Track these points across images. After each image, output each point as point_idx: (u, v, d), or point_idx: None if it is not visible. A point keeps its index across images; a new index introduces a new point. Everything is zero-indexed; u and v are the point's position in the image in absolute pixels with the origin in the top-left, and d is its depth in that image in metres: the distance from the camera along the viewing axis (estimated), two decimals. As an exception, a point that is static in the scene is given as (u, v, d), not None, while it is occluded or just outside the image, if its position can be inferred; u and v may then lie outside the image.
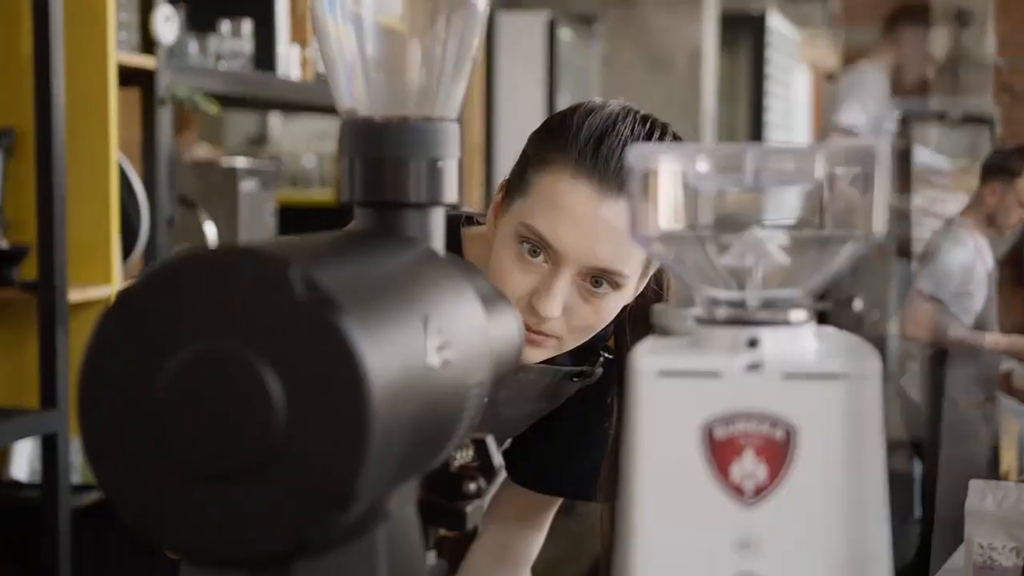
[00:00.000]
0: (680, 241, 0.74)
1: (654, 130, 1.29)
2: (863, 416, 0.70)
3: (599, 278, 1.26)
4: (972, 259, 4.31)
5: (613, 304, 1.29)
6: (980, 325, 4.38)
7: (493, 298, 0.88)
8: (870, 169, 0.70)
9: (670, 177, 0.73)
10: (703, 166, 0.73)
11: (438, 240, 0.84)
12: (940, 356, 4.40)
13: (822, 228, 0.73)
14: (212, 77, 2.99)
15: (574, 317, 1.28)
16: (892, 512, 0.71)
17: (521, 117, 4.91)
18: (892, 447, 4.28)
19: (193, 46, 2.98)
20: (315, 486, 0.62)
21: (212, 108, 2.79)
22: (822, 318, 0.78)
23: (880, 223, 0.71)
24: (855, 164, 0.71)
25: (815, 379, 0.69)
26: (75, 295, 2.46)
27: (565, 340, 1.30)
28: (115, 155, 2.53)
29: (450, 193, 0.84)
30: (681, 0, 5.46)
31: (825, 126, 4.51)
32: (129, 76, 2.67)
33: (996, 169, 4.45)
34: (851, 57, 9.94)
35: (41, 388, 2.38)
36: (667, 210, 0.74)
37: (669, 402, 0.70)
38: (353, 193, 0.83)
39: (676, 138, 1.32)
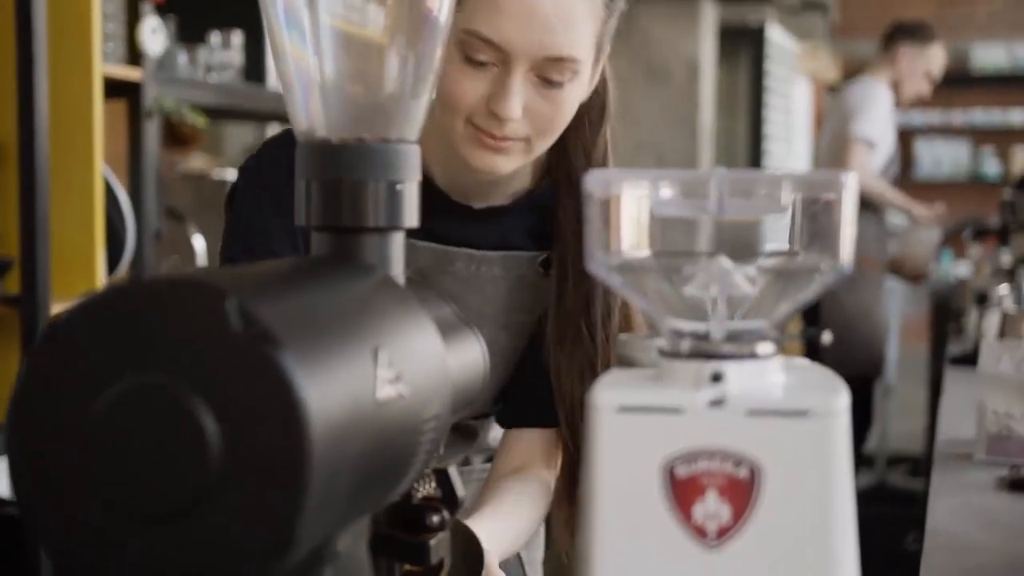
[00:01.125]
0: (642, 270, 0.71)
1: None
2: (831, 454, 0.67)
3: (552, 71, 1.23)
4: (889, 111, 4.46)
5: (571, 96, 1.26)
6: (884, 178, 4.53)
7: (454, 325, 0.85)
8: (837, 198, 0.68)
9: (631, 203, 0.70)
10: (666, 192, 0.70)
11: (397, 265, 0.81)
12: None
13: (790, 258, 0.70)
14: (201, 89, 2.96)
15: (535, 116, 1.25)
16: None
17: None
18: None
19: (183, 57, 2.96)
20: (252, 529, 0.59)
21: (199, 120, 2.77)
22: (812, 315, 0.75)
23: (848, 254, 0.68)
24: (822, 193, 0.68)
25: (781, 416, 0.66)
26: (58, 309, 2.43)
27: (533, 143, 1.27)
28: (100, 167, 2.51)
29: (410, 217, 0.81)
30: (679, 13, 5.44)
31: (834, 137, 4.52)
32: (116, 88, 2.64)
33: (909, 34, 4.52)
34: (851, 69, 9.95)
35: (22, 404, 2.34)
36: (628, 237, 0.71)
37: (629, 439, 0.67)
38: (309, 217, 0.80)
39: None
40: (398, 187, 0.80)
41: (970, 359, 2.78)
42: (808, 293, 0.70)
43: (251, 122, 4.51)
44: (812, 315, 4.32)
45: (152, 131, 2.69)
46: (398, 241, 0.81)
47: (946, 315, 4.92)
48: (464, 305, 1.32)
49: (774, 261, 0.71)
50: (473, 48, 1.21)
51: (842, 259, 0.69)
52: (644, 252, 0.72)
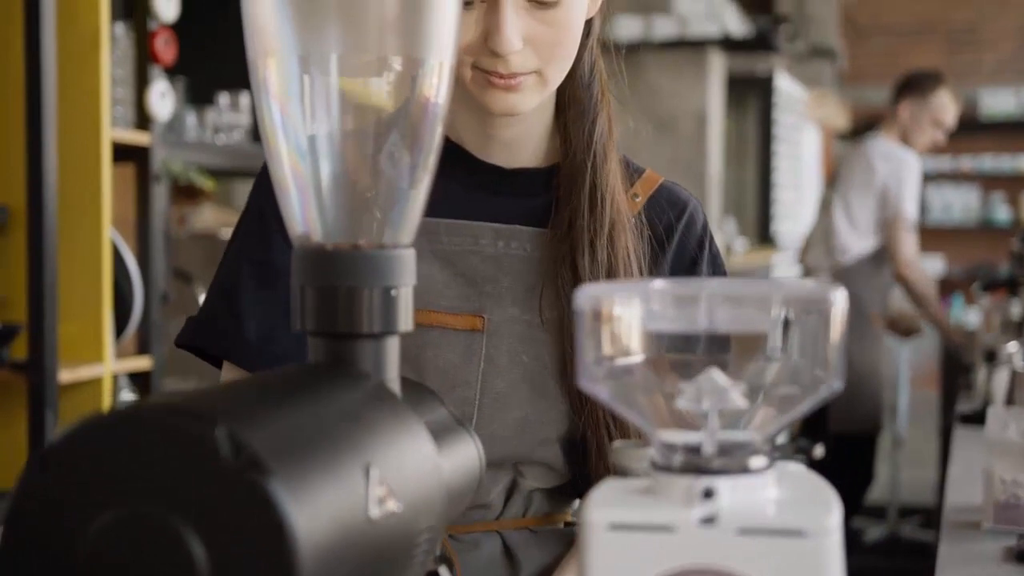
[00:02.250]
0: (632, 384, 0.71)
1: None
2: (824, 573, 0.67)
3: None
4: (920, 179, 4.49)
5: (571, 14, 1.19)
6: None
7: (448, 427, 0.85)
8: (826, 315, 0.68)
9: (621, 318, 0.70)
10: (656, 307, 0.70)
11: (392, 370, 0.81)
12: (855, 269, 4.49)
13: (782, 372, 0.70)
14: (209, 151, 2.98)
15: (538, 43, 1.19)
16: None
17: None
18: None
19: (191, 119, 2.98)
20: (241, 657, 0.59)
21: (207, 184, 2.78)
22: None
23: (838, 372, 0.68)
24: (810, 310, 0.68)
25: (773, 535, 0.66)
26: (66, 375, 2.43)
27: (546, 73, 1.20)
28: (108, 232, 2.52)
29: (405, 321, 0.81)
30: (687, 64, 5.46)
31: (881, 216, 4.50)
32: (124, 152, 2.66)
33: (907, 88, 4.54)
34: (859, 116, 9.98)
35: (28, 471, 2.34)
36: (618, 351, 0.71)
37: (621, 557, 0.67)
38: (305, 322, 0.80)
39: None
40: (392, 292, 0.80)
41: (979, 417, 2.77)
42: (801, 408, 0.70)
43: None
44: None
45: (160, 194, 2.71)
46: (393, 345, 0.81)
47: (956, 368, 4.90)
48: (496, 287, 1.27)
49: (766, 375, 0.71)
50: None
51: (833, 374, 0.69)
52: (635, 366, 0.72)
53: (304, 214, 0.81)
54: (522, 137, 1.31)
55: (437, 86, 0.82)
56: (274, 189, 0.83)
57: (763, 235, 7.46)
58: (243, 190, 3.64)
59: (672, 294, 0.70)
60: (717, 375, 0.71)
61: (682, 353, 0.72)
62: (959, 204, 10.22)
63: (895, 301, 4.79)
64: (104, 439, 0.61)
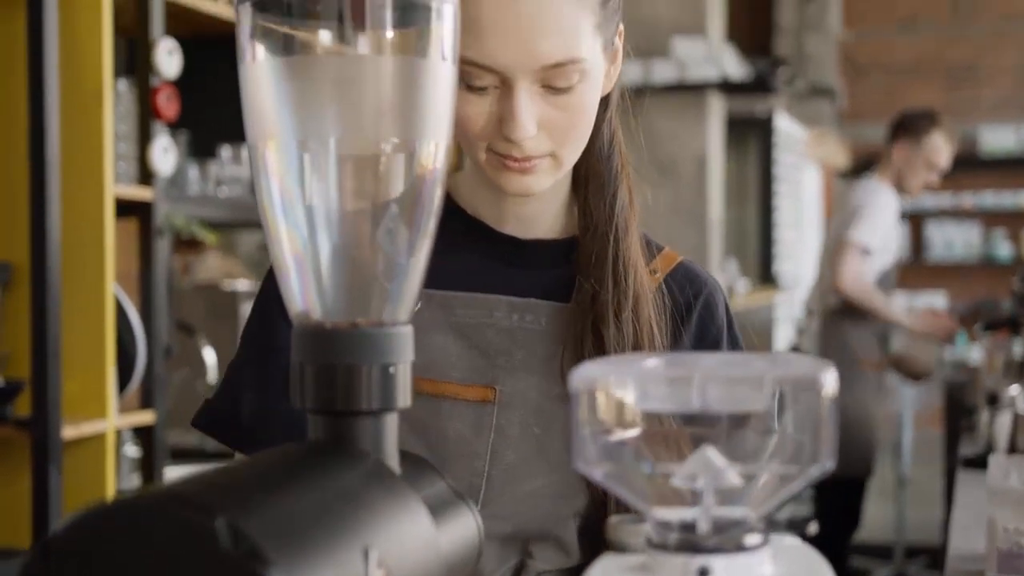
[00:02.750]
0: (627, 463, 0.72)
1: None
2: (818, 652, 0.68)
3: (556, 79, 1.15)
4: (892, 219, 4.47)
5: (587, 97, 1.18)
6: (882, 286, 4.50)
7: (447, 501, 0.86)
8: (816, 396, 0.69)
9: (615, 398, 0.71)
10: (650, 387, 0.71)
11: (391, 446, 0.82)
12: (841, 312, 4.49)
13: (776, 450, 0.71)
14: (211, 204, 3.00)
15: (552, 128, 1.17)
16: None
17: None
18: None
19: (194, 172, 3.00)
20: None
21: (209, 238, 2.80)
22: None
23: (831, 451, 0.69)
24: (802, 390, 0.69)
25: (767, 614, 0.67)
26: (69, 431, 2.44)
27: (560, 155, 1.20)
28: (111, 288, 2.53)
29: (404, 398, 0.82)
30: (687, 108, 5.50)
31: (833, 238, 4.56)
32: (127, 207, 2.68)
33: (901, 129, 4.56)
34: (860, 154, 10.01)
35: (33, 528, 2.35)
36: (612, 430, 0.72)
37: (617, 638, 0.68)
38: (304, 400, 0.81)
39: None
40: (391, 370, 0.81)
41: (982, 461, 2.77)
42: (795, 485, 0.71)
43: (261, 228, 4.56)
44: None
45: (163, 249, 2.72)
46: (392, 421, 0.82)
47: (959, 407, 4.90)
48: (509, 359, 1.26)
49: (760, 453, 0.72)
50: (469, 75, 1.14)
51: (825, 453, 0.70)
52: (629, 445, 0.72)
53: (303, 292, 0.83)
54: (538, 211, 1.31)
55: (434, 166, 0.83)
56: (273, 268, 0.84)
57: (765, 275, 7.47)
58: (246, 240, 3.66)
59: (665, 375, 0.71)
60: (712, 453, 0.72)
61: (677, 430, 0.73)
62: (960, 241, 10.24)
63: (899, 343, 4.78)
64: (105, 528, 0.62)
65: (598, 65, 1.19)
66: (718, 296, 1.33)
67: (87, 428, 2.50)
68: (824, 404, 0.69)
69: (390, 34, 0.81)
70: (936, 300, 10.21)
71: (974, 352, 6.44)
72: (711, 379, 0.71)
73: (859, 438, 4.36)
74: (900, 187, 4.61)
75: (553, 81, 1.15)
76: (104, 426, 2.54)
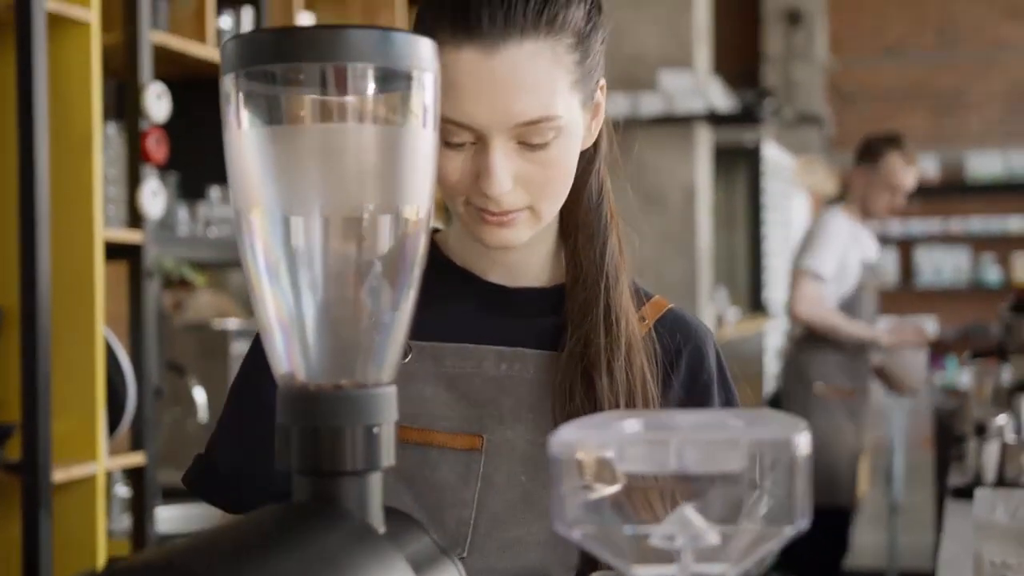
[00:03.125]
0: (606, 524, 0.73)
1: None
2: None
3: (531, 135, 1.16)
4: (846, 245, 4.45)
5: (563, 152, 1.19)
6: (852, 310, 4.49)
7: (431, 557, 0.87)
8: (791, 459, 0.70)
9: (594, 461, 0.73)
10: (628, 449, 0.72)
11: (375, 505, 0.83)
12: (805, 340, 4.48)
13: (751, 510, 0.73)
14: (201, 245, 3.02)
15: (529, 183, 1.18)
16: None
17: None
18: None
19: (183, 213, 3.01)
20: None
21: (198, 280, 2.82)
22: None
23: (805, 511, 0.71)
24: (776, 453, 0.71)
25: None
26: (60, 475, 2.44)
27: (538, 208, 1.21)
28: (101, 331, 2.54)
29: (388, 457, 0.84)
30: (675, 138, 5.54)
31: (793, 267, 4.58)
32: (117, 250, 2.69)
33: (861, 154, 4.59)
34: (847, 180, 10.06)
35: (24, 573, 2.35)
36: (591, 493, 0.73)
37: None
38: (290, 461, 0.83)
39: None
40: (375, 430, 0.82)
41: (970, 491, 2.78)
42: (772, 544, 0.72)
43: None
44: None
45: (152, 291, 2.74)
46: (376, 481, 0.83)
47: (949, 435, 4.91)
48: (497, 408, 1.27)
49: (737, 512, 0.73)
50: (446, 132, 1.16)
51: (800, 512, 0.71)
52: (608, 506, 0.74)
53: (288, 354, 0.84)
54: (525, 260, 1.32)
55: (416, 229, 0.85)
56: (259, 330, 0.85)
57: (755, 303, 7.49)
58: (236, 279, 3.68)
59: (644, 437, 0.73)
60: (690, 512, 0.73)
61: (655, 491, 0.74)
62: (950, 266, 10.29)
63: (880, 359, 4.79)
64: (94, 599, 0.63)
65: (576, 121, 1.20)
66: (708, 343, 1.34)
67: (77, 471, 2.51)
68: (798, 465, 0.71)
69: (372, 103, 0.83)
70: (926, 325, 10.24)
71: (964, 377, 6.46)
72: (688, 441, 0.72)
73: (822, 465, 4.35)
74: (866, 212, 4.61)
75: (528, 138, 1.17)
76: (94, 468, 2.54)
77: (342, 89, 0.81)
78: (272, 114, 0.82)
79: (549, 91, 1.16)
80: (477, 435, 1.26)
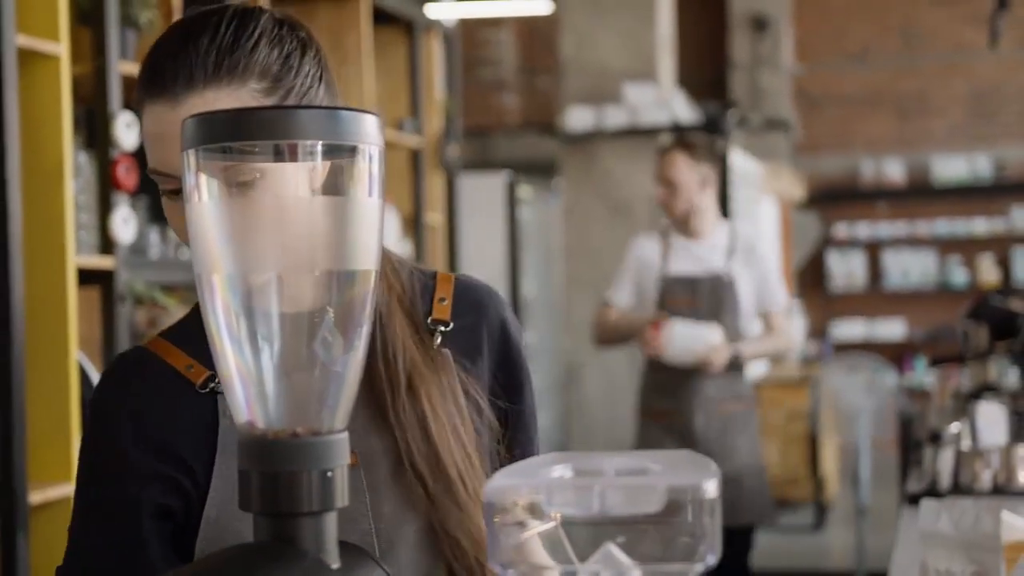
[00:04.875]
0: (536, 562, 0.81)
1: (210, 17, 1.24)
2: None
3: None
4: (637, 264, 4.17)
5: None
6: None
7: (385, 589, 0.95)
8: (702, 501, 0.78)
9: (524, 506, 0.80)
10: (556, 496, 0.80)
11: (330, 543, 0.91)
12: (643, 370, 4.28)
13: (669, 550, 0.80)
14: (172, 268, 3.08)
15: None
16: None
17: (484, 275, 5.03)
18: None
19: (154, 236, 3.08)
20: None
21: (169, 303, 2.88)
22: None
23: (715, 548, 0.78)
24: (689, 498, 0.78)
25: None
26: (36, 496, 2.51)
27: None
28: (74, 355, 2.60)
29: (342, 498, 0.91)
30: (640, 149, 5.61)
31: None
32: (89, 276, 2.75)
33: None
34: (815, 185, 10.17)
35: (1, 593, 2.41)
36: (522, 534, 0.81)
37: None
38: (251, 503, 0.90)
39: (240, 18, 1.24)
40: (329, 474, 0.90)
41: (927, 497, 2.85)
42: (688, 576, 0.80)
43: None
44: None
45: (125, 315, 2.80)
46: (331, 520, 0.91)
47: (912, 438, 5.00)
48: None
49: (657, 550, 0.81)
50: (158, 182, 1.24)
51: (711, 549, 0.79)
52: (537, 546, 0.81)
53: (247, 404, 0.92)
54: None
55: (365, 286, 0.92)
56: (220, 381, 0.92)
57: (724, 309, 7.57)
58: (207, 295, 3.74)
59: (571, 483, 0.81)
60: (614, 549, 0.81)
61: (581, 529, 0.82)
62: (917, 268, 10.41)
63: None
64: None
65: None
66: (506, 310, 1.39)
67: (53, 492, 2.57)
68: (706, 507, 0.79)
69: (321, 175, 0.90)
70: (894, 327, 10.39)
71: (930, 378, 6.56)
72: (611, 486, 0.80)
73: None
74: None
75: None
76: (69, 490, 2.60)
77: (293, 163, 0.89)
78: (229, 186, 0.90)
79: None
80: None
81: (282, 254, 0.90)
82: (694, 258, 4.18)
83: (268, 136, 0.87)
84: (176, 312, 3.64)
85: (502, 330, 1.38)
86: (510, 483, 0.81)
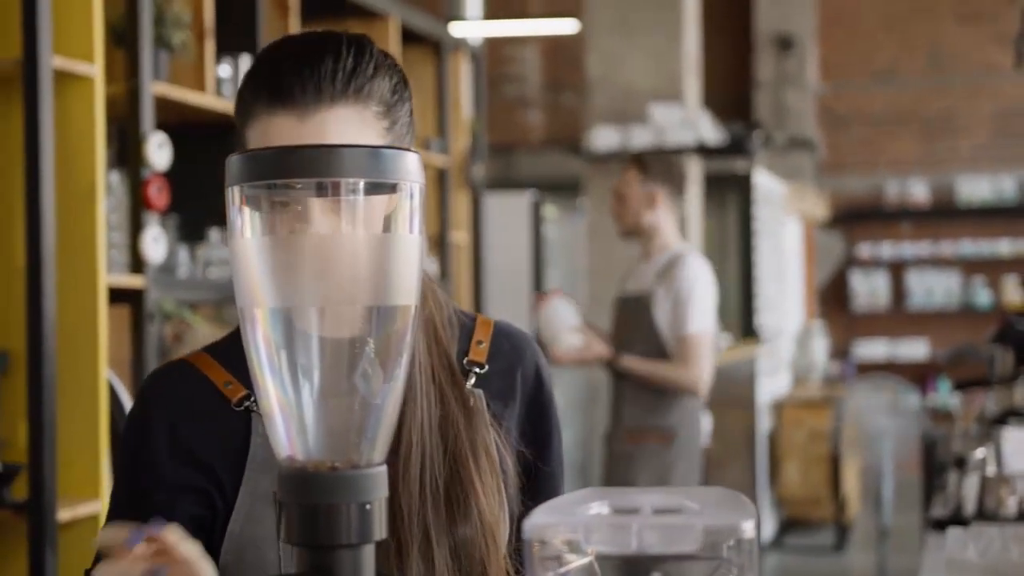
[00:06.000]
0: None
1: (328, 39, 1.25)
2: None
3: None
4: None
5: (371, 213, 1.23)
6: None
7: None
8: (739, 541, 0.79)
9: (563, 543, 0.81)
10: (594, 535, 0.81)
11: (368, 574, 0.92)
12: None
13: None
14: (201, 288, 3.10)
15: None
16: None
17: (509, 294, 5.04)
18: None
19: (184, 255, 3.10)
20: None
21: (197, 322, 2.90)
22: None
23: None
24: (726, 538, 0.79)
25: None
26: (64, 514, 2.53)
27: None
28: (104, 374, 2.63)
29: (380, 531, 0.92)
30: (665, 168, 5.61)
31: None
32: (119, 295, 2.78)
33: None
34: (839, 205, 10.15)
35: (29, 610, 2.43)
36: (561, 568, 0.82)
37: None
38: (290, 535, 0.91)
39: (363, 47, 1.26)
40: (367, 507, 0.91)
41: (952, 523, 2.84)
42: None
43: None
44: None
45: (154, 334, 2.82)
46: (369, 552, 0.92)
47: (934, 460, 4.98)
48: None
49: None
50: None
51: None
52: (577, 580, 0.82)
53: (288, 438, 0.93)
54: None
55: (404, 321, 0.93)
56: (262, 416, 0.94)
57: (747, 329, 7.57)
58: (233, 312, 3.75)
59: (608, 522, 0.82)
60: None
61: (617, 565, 0.83)
62: (941, 289, 10.37)
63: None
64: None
65: None
66: (541, 358, 1.41)
67: (82, 510, 2.59)
68: (744, 547, 0.79)
69: (363, 212, 0.91)
70: (917, 347, 10.35)
71: (954, 399, 6.53)
72: (648, 526, 0.81)
73: None
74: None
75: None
76: (98, 507, 2.62)
77: (335, 200, 0.90)
78: (272, 223, 0.91)
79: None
80: None
81: (324, 289, 0.91)
82: (637, 278, 4.13)
83: (312, 174, 0.89)
84: (201, 329, 3.67)
85: (536, 377, 1.40)
86: (549, 520, 0.82)
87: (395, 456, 1.26)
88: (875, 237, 10.46)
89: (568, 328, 3.98)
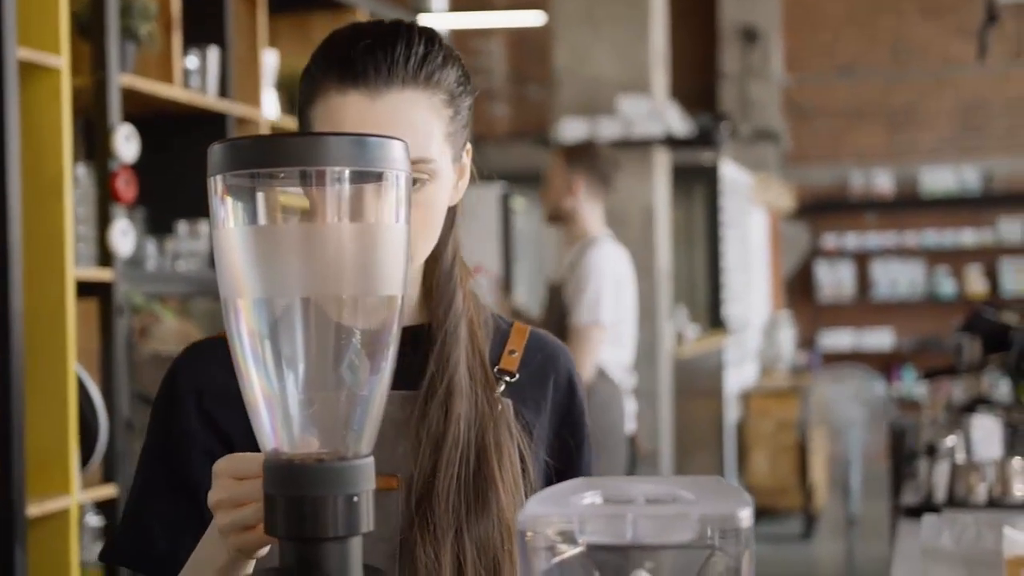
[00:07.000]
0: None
1: (401, 27, 1.26)
2: None
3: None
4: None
5: (436, 196, 1.26)
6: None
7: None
8: (736, 530, 0.78)
9: (557, 534, 0.81)
10: (588, 524, 0.80)
11: (355, 567, 0.91)
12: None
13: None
14: (169, 280, 3.08)
15: None
16: None
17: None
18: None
19: (152, 248, 3.07)
20: None
21: (166, 314, 2.88)
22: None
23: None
24: (723, 526, 0.78)
25: None
26: (34, 509, 2.50)
27: (412, 249, 1.21)
28: (73, 367, 2.60)
29: (367, 523, 0.91)
30: (633, 161, 5.62)
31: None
32: (87, 288, 2.75)
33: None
34: (804, 195, 10.19)
35: (0, 607, 2.40)
36: (555, 559, 0.81)
37: None
38: (276, 528, 0.90)
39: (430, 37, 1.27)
40: (355, 499, 0.90)
41: (922, 511, 2.86)
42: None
43: (217, 297, 4.61)
44: None
45: (122, 327, 2.79)
46: (356, 545, 0.91)
47: (903, 449, 5.00)
48: (395, 448, 1.27)
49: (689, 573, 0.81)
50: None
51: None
52: (570, 570, 0.82)
53: (274, 431, 0.92)
54: None
55: (391, 311, 0.92)
56: (246, 409, 0.92)
57: (714, 320, 7.59)
58: (202, 306, 3.73)
59: (603, 512, 0.81)
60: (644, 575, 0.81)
61: (610, 556, 0.82)
62: (905, 279, 10.44)
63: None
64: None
65: (447, 171, 1.27)
66: (574, 368, 1.41)
67: (51, 505, 2.56)
68: (739, 536, 0.79)
69: (348, 202, 0.90)
70: (882, 337, 10.42)
71: (920, 388, 6.57)
72: (643, 515, 0.80)
73: None
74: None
75: None
76: (68, 502, 2.60)
77: (320, 190, 0.89)
78: (255, 213, 0.90)
79: (426, 135, 1.24)
80: (392, 475, 1.27)
81: (308, 280, 0.90)
82: (560, 266, 4.21)
83: (296, 163, 0.88)
84: (170, 322, 3.64)
85: (568, 386, 1.39)
86: (543, 511, 0.81)
87: (439, 448, 1.27)
88: (840, 228, 10.52)
89: None
